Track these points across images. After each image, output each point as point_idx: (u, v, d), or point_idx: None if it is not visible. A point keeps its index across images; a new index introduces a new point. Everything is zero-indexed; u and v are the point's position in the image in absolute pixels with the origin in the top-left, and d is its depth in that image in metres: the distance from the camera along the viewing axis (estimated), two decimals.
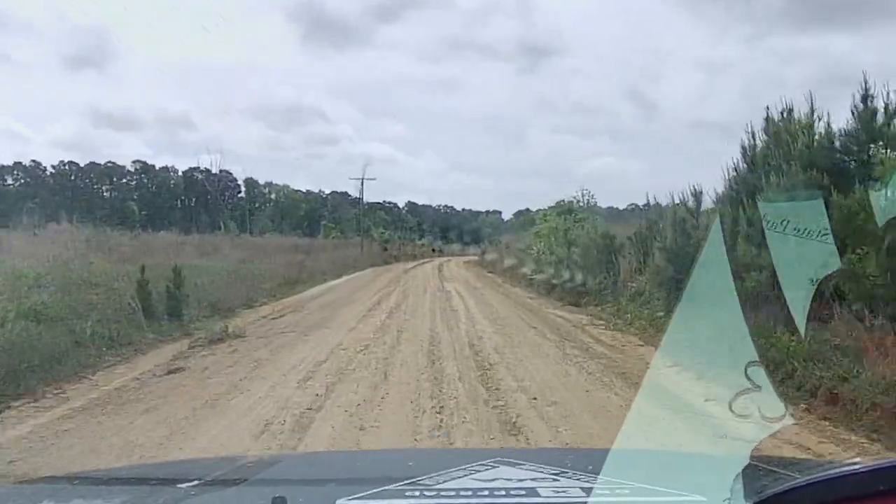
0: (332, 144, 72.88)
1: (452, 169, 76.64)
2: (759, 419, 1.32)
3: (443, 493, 1.36)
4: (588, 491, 1.34)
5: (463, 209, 66.87)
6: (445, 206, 67.49)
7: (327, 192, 57.65)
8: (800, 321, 1.66)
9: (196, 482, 1.56)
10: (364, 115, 74.75)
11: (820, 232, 1.57)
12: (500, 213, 64.83)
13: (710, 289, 1.43)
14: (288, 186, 58.23)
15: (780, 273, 1.59)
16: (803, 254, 1.57)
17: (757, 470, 1.38)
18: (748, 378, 1.38)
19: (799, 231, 1.54)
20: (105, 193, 59.32)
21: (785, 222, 1.54)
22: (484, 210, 66.53)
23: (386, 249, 48.46)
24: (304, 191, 50.45)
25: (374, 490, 1.35)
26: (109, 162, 58.58)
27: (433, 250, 56.29)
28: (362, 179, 49.72)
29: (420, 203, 63.26)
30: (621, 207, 56.53)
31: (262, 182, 61.21)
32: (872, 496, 1.01)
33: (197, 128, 74.02)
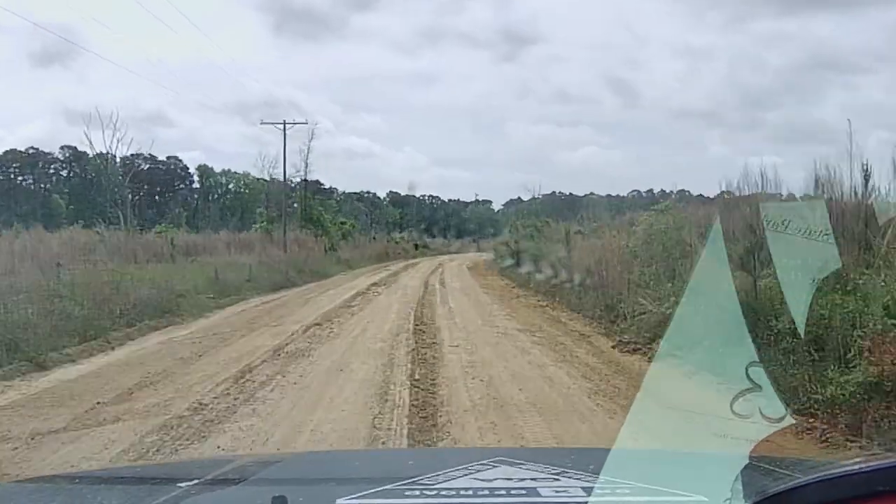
0: (314, 139, 70.90)
1: (434, 162, 74.16)
2: (760, 419, 1.32)
3: (443, 493, 1.36)
4: (588, 490, 1.34)
5: (449, 200, 60.32)
6: (431, 196, 60.50)
7: (296, 180, 48.62)
8: (800, 321, 1.66)
9: (196, 482, 1.56)
10: (342, 109, 72.60)
11: (821, 232, 1.57)
12: (490, 202, 58.66)
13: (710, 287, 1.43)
14: (249, 174, 46.78)
15: (781, 273, 1.59)
16: (804, 254, 1.57)
17: (757, 470, 1.38)
18: (749, 378, 1.39)
19: (800, 231, 1.54)
20: (30, 185, 48.79)
21: (786, 222, 1.54)
22: (472, 200, 60.07)
23: (334, 249, 34.94)
24: (269, 178, 41.07)
25: (375, 489, 1.35)
26: (31, 148, 47.93)
27: (416, 247, 45.64)
28: (283, 126, 33.96)
29: (403, 194, 56.53)
30: (623, 195, 55.21)
31: (217, 170, 51.89)
32: (872, 496, 1.02)
33: (172, 124, 71.17)
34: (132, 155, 43.36)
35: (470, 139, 65.62)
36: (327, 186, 50.28)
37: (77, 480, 1.97)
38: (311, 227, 36.41)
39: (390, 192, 56.98)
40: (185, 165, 50.66)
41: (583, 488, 1.37)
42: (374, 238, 45.64)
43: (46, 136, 67.07)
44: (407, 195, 56.43)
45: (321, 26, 67.51)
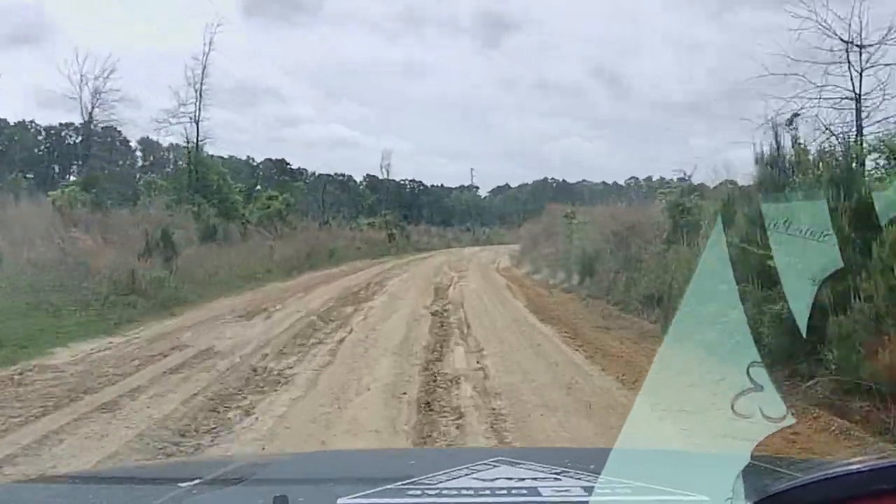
0: (291, 126, 67.65)
1: (418, 151, 71.41)
2: (761, 419, 1.32)
3: (444, 493, 1.36)
4: (589, 490, 1.34)
5: (432, 185, 54.31)
6: (412, 180, 54.14)
7: (259, 159, 42.66)
8: (801, 321, 1.66)
9: (196, 482, 1.56)
10: (324, 96, 70.02)
11: (822, 232, 1.57)
12: (476, 188, 53.17)
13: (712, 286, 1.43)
14: (200, 150, 39.96)
15: (782, 272, 1.59)
16: (805, 254, 1.57)
17: (758, 469, 1.38)
18: (750, 378, 1.39)
19: (801, 231, 1.54)
20: None
21: (787, 222, 1.54)
22: (457, 185, 54.31)
23: (213, 237, 21.52)
24: (227, 156, 34.52)
25: (376, 489, 1.35)
26: None
27: (390, 237, 35.76)
28: None
29: (381, 178, 50.26)
30: (620, 182, 53.10)
31: (164, 144, 42.57)
32: (874, 495, 1.01)
33: (150, 111, 69.25)
34: (61, 125, 38.57)
35: (455, 128, 63.05)
36: (295, 167, 44.24)
37: (77, 480, 1.97)
38: (202, 200, 25.42)
39: (367, 175, 50.05)
40: (127, 139, 42.65)
41: (583, 488, 1.37)
42: (326, 223, 33.73)
43: None
44: (385, 179, 49.72)
45: (295, 8, 64.90)
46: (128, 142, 42.79)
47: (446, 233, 43.66)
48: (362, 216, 39.20)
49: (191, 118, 27.64)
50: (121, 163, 43.36)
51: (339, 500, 1.29)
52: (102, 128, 32.44)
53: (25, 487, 1.96)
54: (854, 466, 1.07)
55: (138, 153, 44.79)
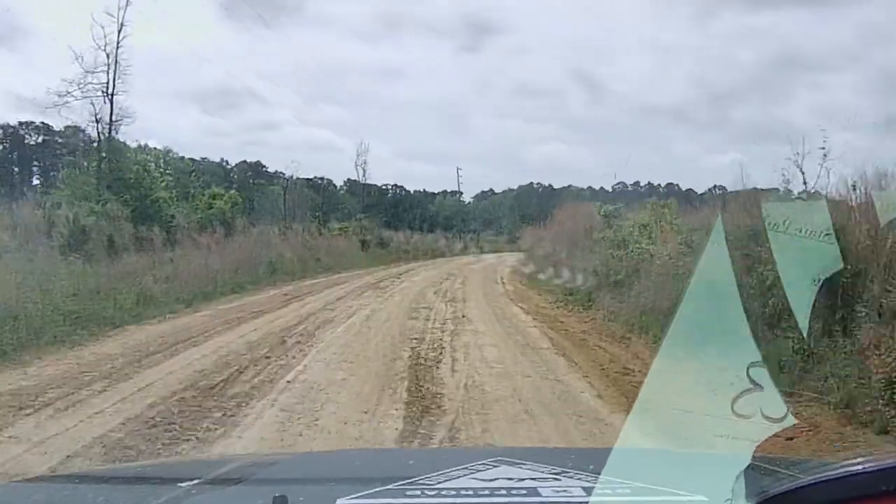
0: (272, 130, 66.45)
1: (400, 155, 69.92)
2: (761, 419, 1.32)
3: (443, 493, 1.36)
4: (589, 490, 1.34)
5: (415, 191, 51.63)
6: (394, 185, 51.71)
7: (232, 162, 37.93)
8: (802, 322, 1.66)
9: (196, 482, 1.56)
10: (303, 100, 68.39)
11: (822, 232, 1.56)
12: (460, 193, 49.96)
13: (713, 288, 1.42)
14: (171, 152, 32.09)
15: (783, 273, 1.59)
16: (805, 254, 1.56)
17: (758, 470, 1.37)
18: (750, 378, 1.38)
19: (801, 231, 1.53)
20: None
21: (787, 222, 1.53)
22: (440, 191, 51.36)
23: (113, 247, 16.87)
24: (199, 158, 31.76)
25: (375, 489, 1.35)
26: None
27: (363, 244, 30.18)
28: None
29: (363, 182, 45.77)
30: (608, 188, 53.11)
31: (132, 145, 40.39)
32: (874, 496, 1.01)
33: (127, 114, 67.54)
34: (21, 123, 32.89)
35: (437, 132, 61.67)
36: (272, 170, 40.36)
37: (77, 480, 1.97)
38: (111, 197, 19.79)
39: (347, 179, 46.78)
40: (90, 138, 37.96)
41: (583, 488, 1.37)
42: (288, 228, 26.81)
43: None
44: (367, 184, 46.00)
45: (276, 9, 63.87)
46: (91, 140, 35.92)
47: (431, 239, 38.97)
48: (335, 221, 33.12)
49: (103, 91, 20.83)
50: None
51: (339, 500, 1.29)
52: (67, 126, 24.55)
53: (25, 487, 1.95)
54: (854, 468, 1.07)
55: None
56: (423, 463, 1.77)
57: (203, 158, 31.55)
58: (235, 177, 35.13)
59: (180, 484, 1.52)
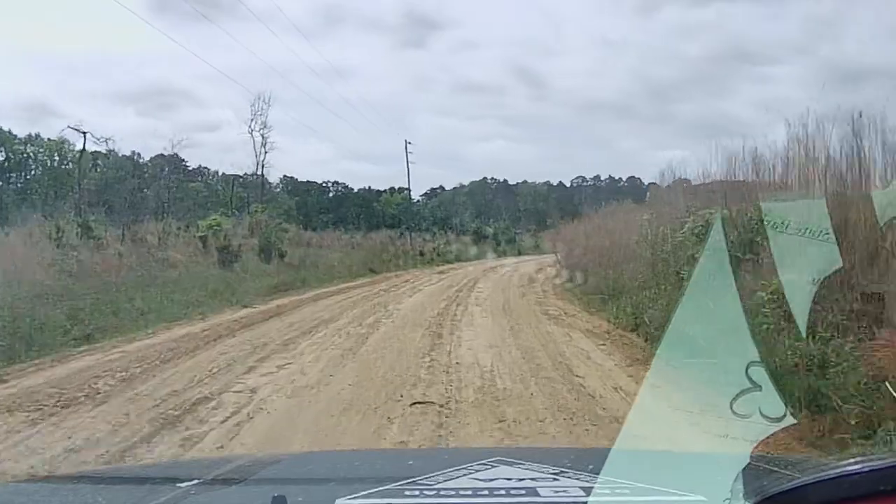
0: (210, 131, 64.92)
1: (342, 155, 66.66)
2: (760, 419, 1.32)
3: (442, 493, 1.36)
4: (588, 491, 1.34)
5: (359, 189, 48.05)
6: (336, 182, 48.10)
7: (146, 157, 33.84)
8: (801, 322, 1.66)
9: (196, 482, 1.56)
10: (244, 100, 66.27)
11: (821, 232, 1.56)
12: (408, 190, 44.39)
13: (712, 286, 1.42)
14: (67, 144, 29.99)
15: (782, 273, 1.59)
16: (804, 254, 1.56)
17: (757, 470, 1.37)
18: (749, 378, 1.38)
19: (800, 231, 1.53)
20: None
21: (786, 222, 1.53)
22: (386, 188, 47.10)
23: None
24: (105, 151, 28.93)
25: (374, 489, 1.35)
26: None
27: (261, 252, 21.73)
28: None
29: (302, 179, 45.12)
30: (566, 183, 48.90)
31: (21, 136, 35.42)
32: (872, 496, 1.01)
33: (62, 116, 63.53)
34: None
35: (380, 132, 60.56)
36: (194, 166, 38.17)
37: (77, 480, 1.97)
38: None
39: (284, 176, 43.45)
40: None
41: (582, 488, 1.37)
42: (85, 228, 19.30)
43: None
44: (307, 181, 43.93)
45: (211, 5, 61.90)
46: None
47: (373, 241, 31.25)
48: (217, 215, 25.14)
49: None
50: None
51: (338, 501, 1.29)
52: None
53: (25, 487, 1.96)
54: (852, 467, 1.07)
55: None
56: (422, 463, 1.77)
57: (109, 151, 28.93)
58: (147, 173, 32.01)
59: (180, 484, 1.52)
